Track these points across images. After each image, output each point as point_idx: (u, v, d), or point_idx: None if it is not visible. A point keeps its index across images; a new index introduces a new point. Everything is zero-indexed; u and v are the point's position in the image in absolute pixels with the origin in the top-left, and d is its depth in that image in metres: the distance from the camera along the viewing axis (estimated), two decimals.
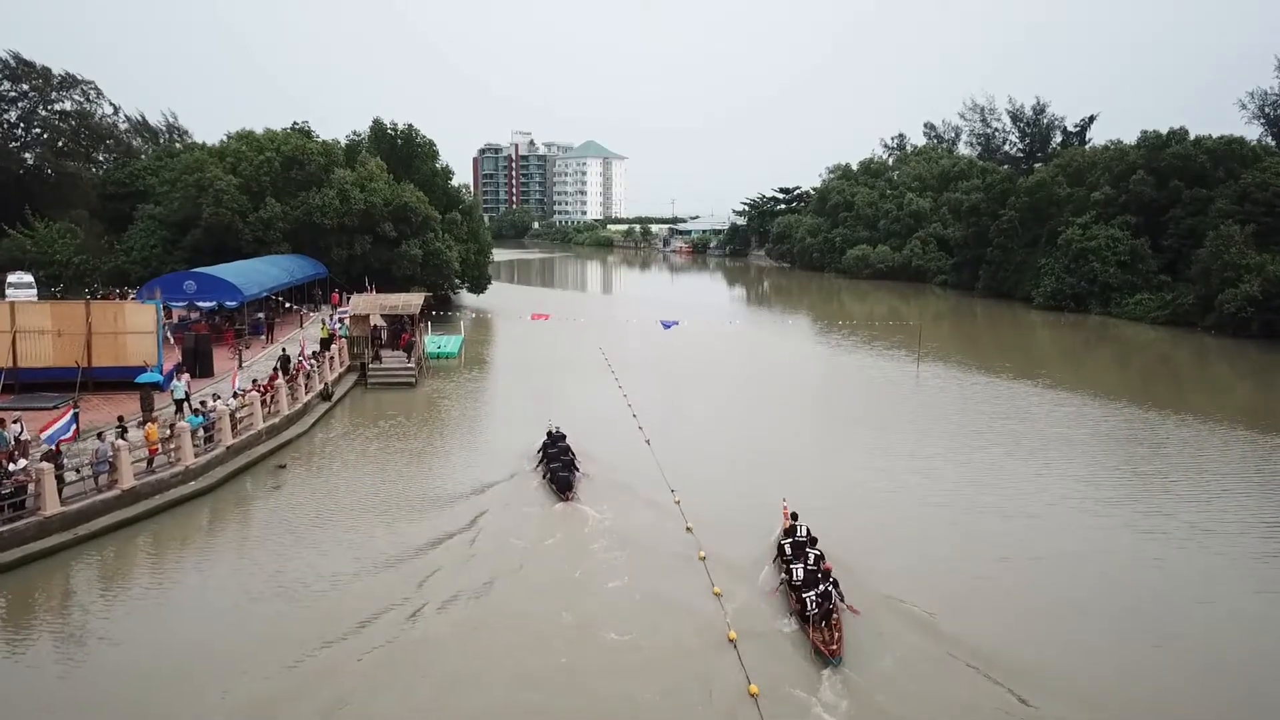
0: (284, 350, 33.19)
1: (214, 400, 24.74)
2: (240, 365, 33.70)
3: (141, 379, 24.35)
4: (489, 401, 35.14)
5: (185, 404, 25.82)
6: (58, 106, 71.08)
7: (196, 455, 22.62)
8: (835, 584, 15.35)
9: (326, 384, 32.49)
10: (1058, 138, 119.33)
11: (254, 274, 42.59)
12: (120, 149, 76.47)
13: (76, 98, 72.85)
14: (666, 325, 44.67)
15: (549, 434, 23.91)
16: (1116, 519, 21.07)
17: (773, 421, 30.73)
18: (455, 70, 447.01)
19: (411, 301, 38.07)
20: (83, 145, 72.71)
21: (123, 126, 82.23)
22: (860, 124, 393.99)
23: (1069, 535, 20.04)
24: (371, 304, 37.68)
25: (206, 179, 53.32)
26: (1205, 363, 48.22)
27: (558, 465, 22.13)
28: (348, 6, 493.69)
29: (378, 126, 65.44)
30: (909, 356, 44.29)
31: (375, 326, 38.44)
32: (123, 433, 21.01)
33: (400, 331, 38.62)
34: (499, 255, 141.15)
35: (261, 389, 26.92)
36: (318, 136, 63.65)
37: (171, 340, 33.00)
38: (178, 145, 78.37)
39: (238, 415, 24.85)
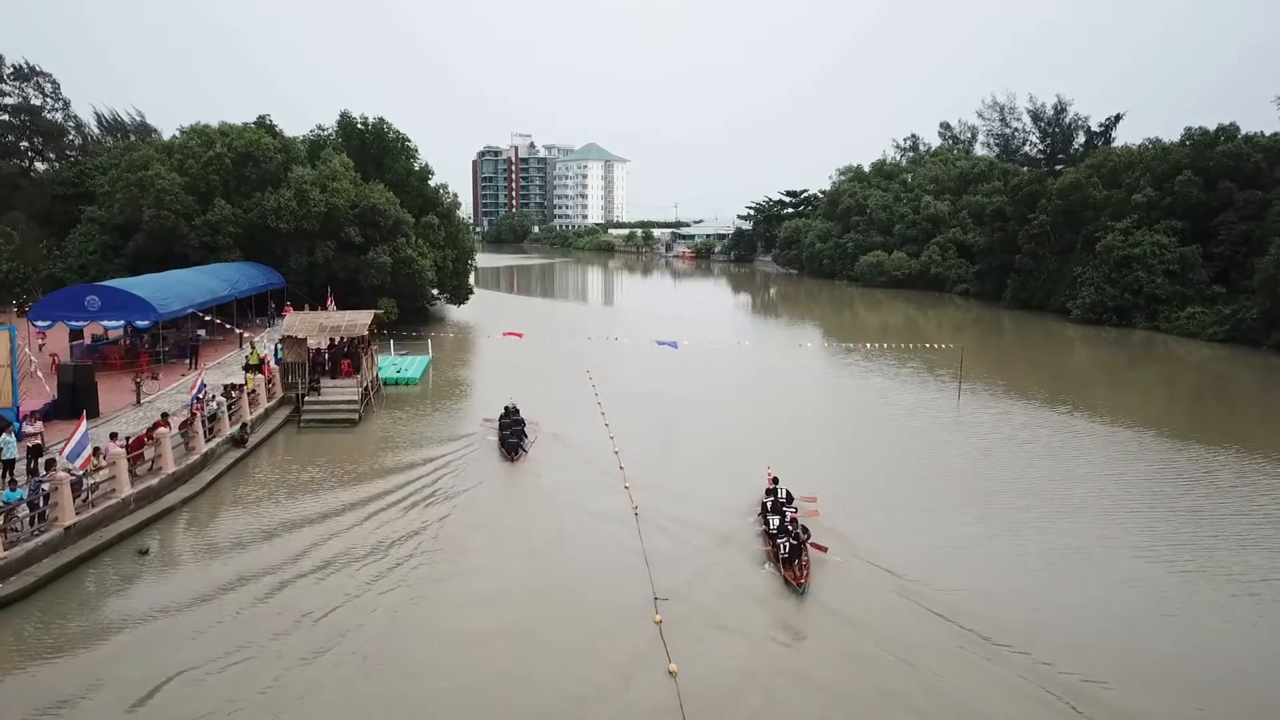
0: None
1: (46, 467, 18.75)
2: (138, 401, 27.76)
3: None
4: (440, 446, 27.35)
5: (38, 464, 19.97)
6: (3, 101, 65.38)
7: (11, 545, 16.65)
8: (806, 530, 18.12)
9: (242, 425, 26.49)
10: (1080, 138, 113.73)
11: (179, 286, 36.43)
12: (76, 148, 70.73)
13: (30, 91, 67.31)
14: (663, 345, 38.78)
15: (505, 409, 27.97)
16: None
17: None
18: (455, 78, 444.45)
19: (357, 321, 32.08)
20: (30, 142, 67.04)
21: (88, 123, 76.70)
22: (864, 127, 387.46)
23: None
24: (309, 324, 31.65)
25: (148, 178, 47.46)
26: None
27: (507, 434, 26.28)
28: (349, 12, 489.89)
29: (345, 120, 59.26)
30: (941, 383, 38.20)
31: (316, 350, 32.49)
32: None
33: (349, 354, 32.78)
34: (498, 261, 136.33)
35: (129, 442, 20.93)
36: (281, 131, 57.69)
37: (40, 373, 27.07)
38: (142, 145, 72.61)
39: (85, 482, 18.81)
